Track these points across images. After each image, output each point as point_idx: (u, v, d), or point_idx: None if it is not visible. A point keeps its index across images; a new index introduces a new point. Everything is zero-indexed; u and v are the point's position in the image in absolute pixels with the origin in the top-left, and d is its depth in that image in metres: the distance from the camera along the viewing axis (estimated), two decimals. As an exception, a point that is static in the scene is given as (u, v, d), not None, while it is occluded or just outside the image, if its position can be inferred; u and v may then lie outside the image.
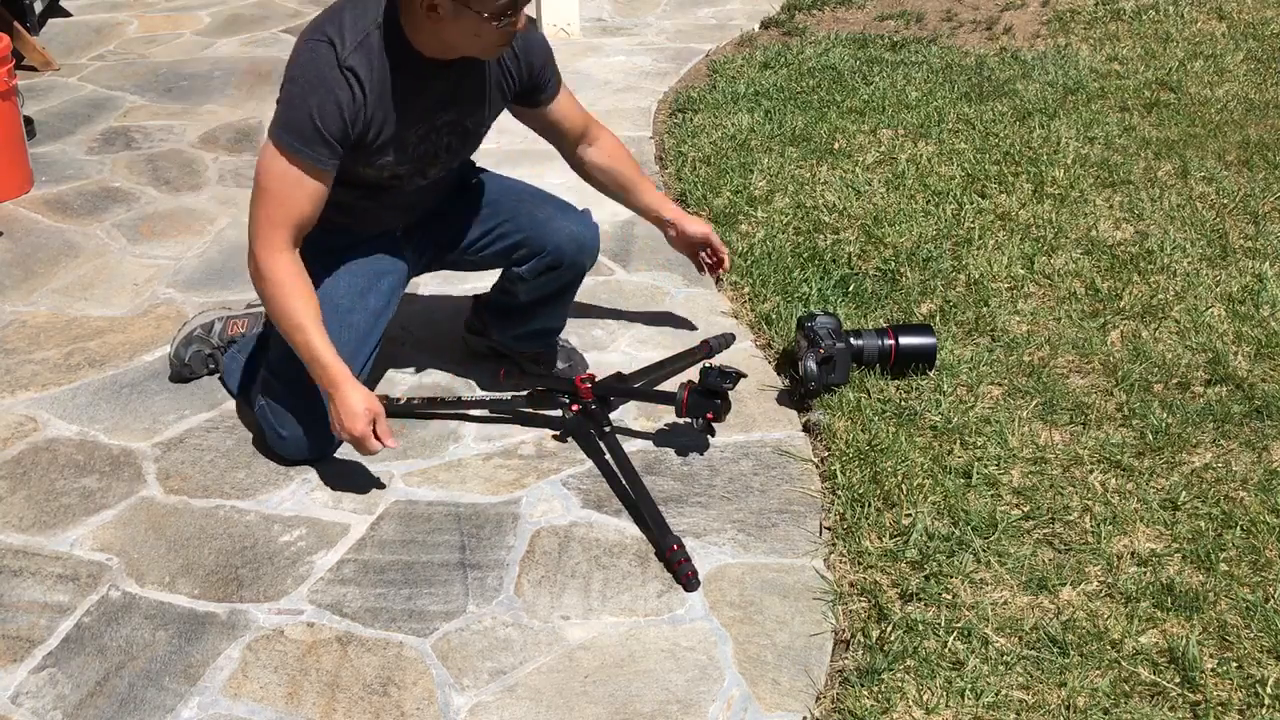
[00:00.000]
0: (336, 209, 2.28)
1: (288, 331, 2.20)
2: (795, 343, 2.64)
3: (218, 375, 2.69)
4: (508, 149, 3.67)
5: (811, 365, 2.50)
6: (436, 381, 2.73)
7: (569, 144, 2.60)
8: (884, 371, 2.61)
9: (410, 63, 2.19)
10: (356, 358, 2.35)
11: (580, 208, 2.57)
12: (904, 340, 2.61)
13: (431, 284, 3.12)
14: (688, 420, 2.39)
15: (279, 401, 2.37)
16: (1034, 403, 2.55)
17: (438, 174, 2.40)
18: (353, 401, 2.18)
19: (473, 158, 2.55)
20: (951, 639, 1.94)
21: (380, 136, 2.22)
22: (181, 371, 2.67)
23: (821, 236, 3.29)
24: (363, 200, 2.35)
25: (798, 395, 2.61)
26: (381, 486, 2.37)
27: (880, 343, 2.61)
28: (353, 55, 2.14)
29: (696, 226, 2.73)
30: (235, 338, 2.68)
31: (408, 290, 3.10)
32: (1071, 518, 2.22)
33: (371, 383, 2.69)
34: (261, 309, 2.72)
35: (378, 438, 2.20)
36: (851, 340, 2.58)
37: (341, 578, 2.13)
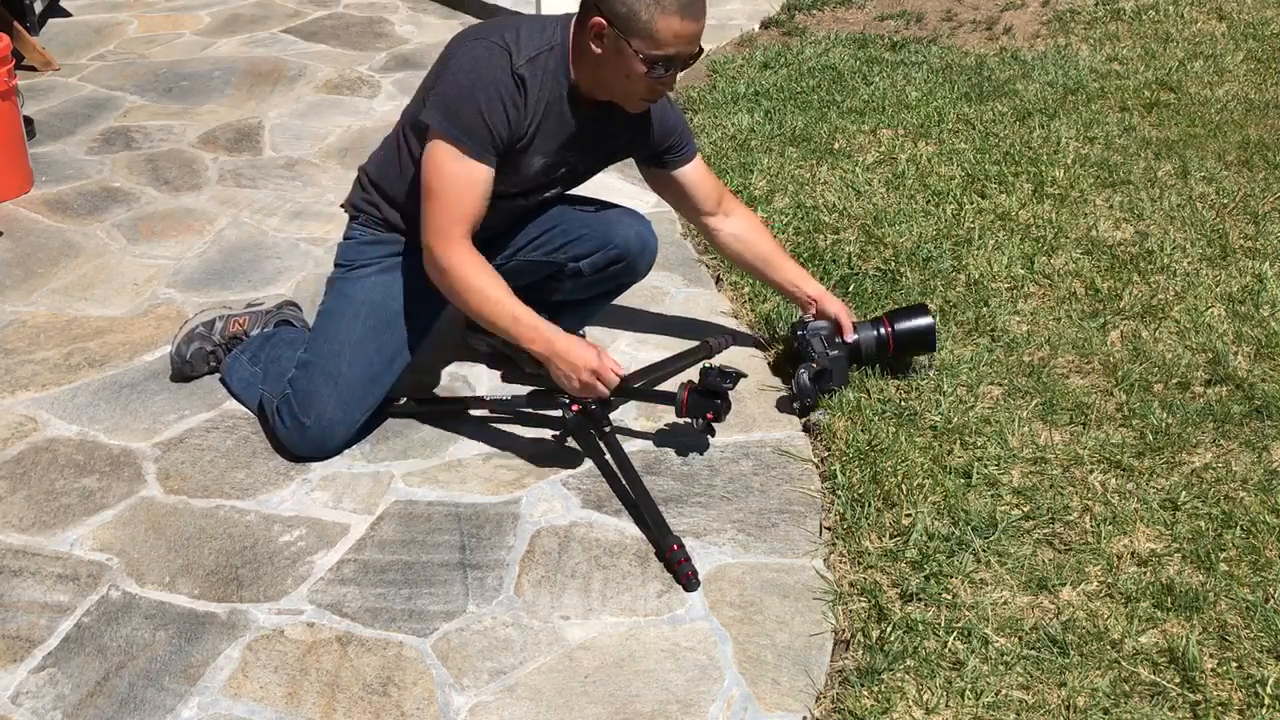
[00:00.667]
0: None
1: (485, 310, 2.23)
2: (792, 343, 2.63)
3: (218, 374, 2.69)
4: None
5: (805, 380, 2.47)
6: (436, 381, 2.73)
7: (700, 214, 2.60)
8: (888, 360, 2.59)
9: (569, 92, 2.25)
10: (380, 382, 2.42)
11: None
12: (899, 325, 2.56)
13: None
14: (688, 420, 2.39)
15: (311, 389, 2.37)
16: (1034, 403, 2.55)
17: (533, 203, 2.42)
18: (579, 347, 2.21)
19: None
20: (951, 639, 1.94)
21: (517, 153, 2.26)
22: (183, 369, 2.67)
23: (821, 236, 3.29)
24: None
25: (797, 407, 2.58)
26: (381, 487, 2.37)
27: (876, 333, 2.56)
28: (525, 66, 2.19)
29: (835, 306, 2.59)
30: (237, 335, 2.68)
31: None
32: (1071, 518, 2.22)
33: (371, 383, 2.69)
34: (263, 307, 2.74)
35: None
36: (846, 339, 2.56)
37: (341, 578, 2.13)
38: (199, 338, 2.67)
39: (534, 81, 2.20)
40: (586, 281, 2.59)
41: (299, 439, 2.39)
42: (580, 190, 2.59)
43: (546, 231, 2.55)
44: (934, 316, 2.59)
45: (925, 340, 2.57)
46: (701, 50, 2.19)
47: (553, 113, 2.26)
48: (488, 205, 2.25)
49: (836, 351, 2.52)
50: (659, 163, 2.51)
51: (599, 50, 2.15)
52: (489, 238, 2.47)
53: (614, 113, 2.31)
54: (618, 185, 3.69)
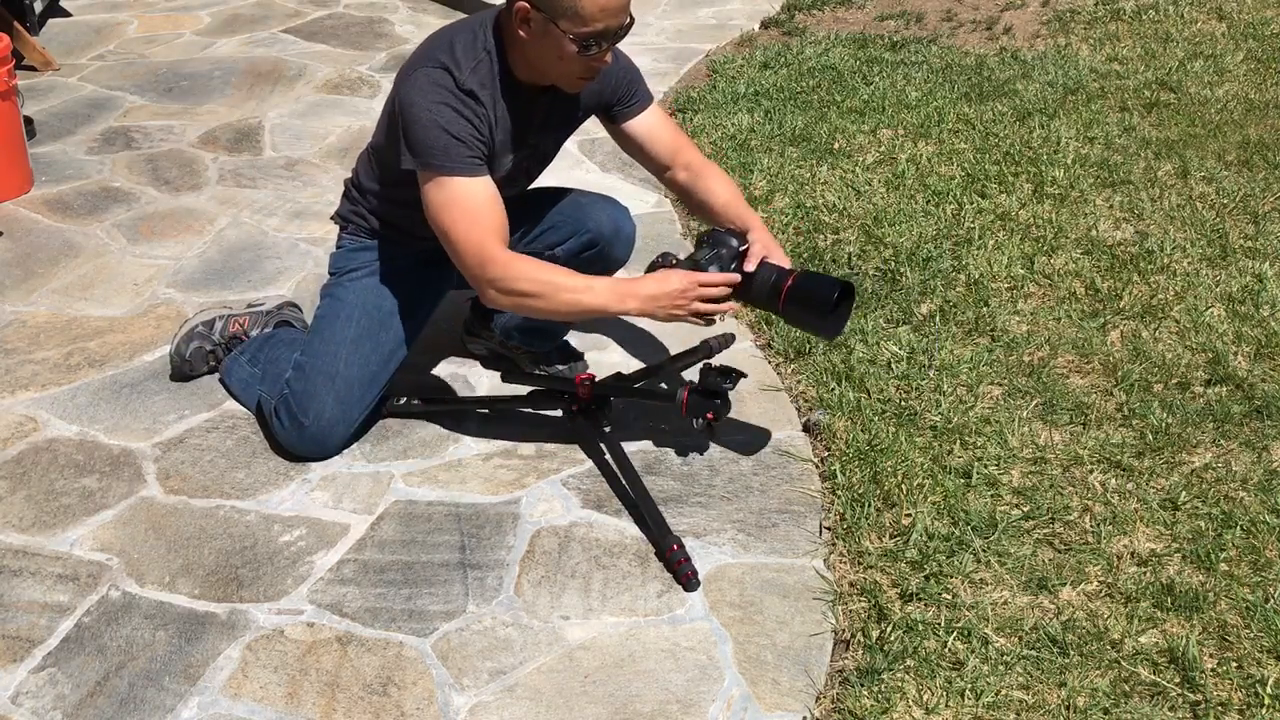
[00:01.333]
0: (409, 215, 2.33)
1: (561, 303, 2.17)
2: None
3: (217, 375, 2.69)
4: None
5: (658, 263, 2.24)
6: (436, 381, 2.73)
7: (659, 169, 2.51)
8: (776, 312, 2.24)
9: (513, 89, 2.23)
10: (377, 380, 2.43)
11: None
12: (801, 281, 2.19)
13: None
14: (688, 420, 2.39)
15: (309, 390, 2.37)
16: (1034, 403, 2.55)
17: (509, 194, 2.42)
18: (663, 281, 2.15)
19: None
20: (951, 639, 1.94)
21: (490, 159, 2.25)
22: (182, 368, 2.67)
23: (821, 236, 3.29)
24: None
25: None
26: (382, 487, 2.37)
27: (773, 276, 2.21)
28: (470, 78, 2.17)
29: (768, 244, 2.32)
30: (237, 335, 2.68)
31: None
32: (1071, 518, 2.22)
33: (371, 383, 2.69)
34: (263, 307, 2.74)
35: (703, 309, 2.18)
36: (745, 267, 2.23)
37: (341, 578, 2.13)
38: (199, 337, 2.67)
39: (483, 91, 2.19)
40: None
41: (298, 439, 2.40)
42: (581, 188, 2.58)
43: (523, 223, 2.54)
44: (843, 296, 2.18)
45: (820, 307, 2.17)
46: (631, 20, 2.15)
47: (507, 112, 2.25)
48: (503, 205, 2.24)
49: (716, 266, 2.21)
50: (609, 116, 2.46)
51: (526, 35, 2.13)
52: None
53: (559, 89, 2.29)
54: (619, 185, 3.69)
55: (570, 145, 3.93)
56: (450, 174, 2.16)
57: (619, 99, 2.42)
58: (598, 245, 2.52)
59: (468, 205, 2.17)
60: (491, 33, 2.22)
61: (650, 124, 2.45)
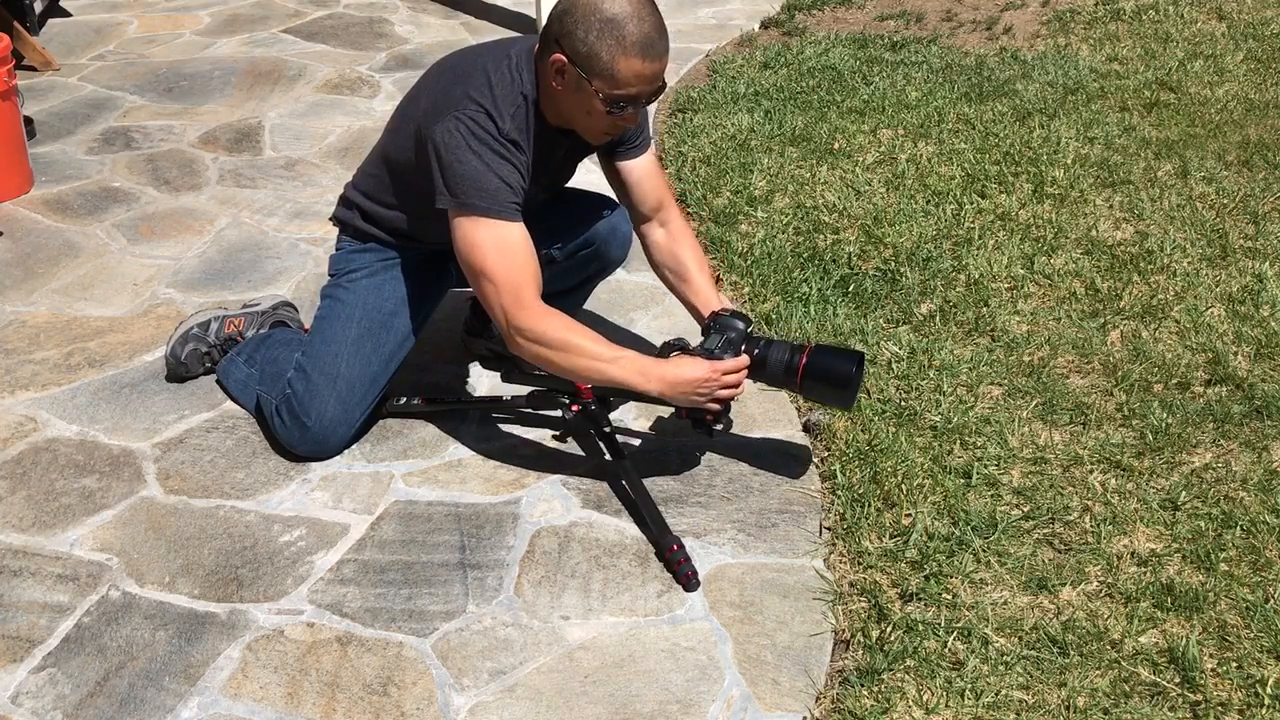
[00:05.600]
0: (418, 227, 2.36)
1: (591, 373, 2.16)
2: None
3: (214, 375, 2.69)
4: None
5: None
6: (436, 381, 2.73)
7: (637, 216, 2.50)
8: (794, 389, 2.27)
9: (542, 133, 2.23)
10: (378, 381, 2.43)
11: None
12: (816, 358, 2.23)
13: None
14: (688, 420, 2.38)
15: (311, 390, 2.37)
16: (1034, 403, 2.55)
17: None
18: (687, 368, 2.15)
19: None
20: (951, 639, 1.94)
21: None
22: (178, 370, 2.67)
23: (821, 236, 3.29)
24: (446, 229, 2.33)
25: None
26: (382, 487, 2.37)
27: (788, 357, 2.24)
28: (511, 127, 2.16)
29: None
30: (232, 336, 2.68)
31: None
32: (1071, 518, 2.22)
33: (371, 383, 2.69)
34: (259, 308, 2.74)
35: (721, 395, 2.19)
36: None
37: (341, 578, 2.13)
38: (194, 339, 2.67)
39: (523, 137, 2.18)
40: (561, 268, 2.56)
41: (300, 439, 2.40)
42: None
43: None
44: (858, 371, 2.22)
45: (839, 380, 2.21)
46: (665, 85, 2.16)
47: (541, 153, 2.26)
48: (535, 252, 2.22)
49: (730, 352, 2.22)
50: (609, 152, 2.46)
51: (559, 86, 2.13)
52: None
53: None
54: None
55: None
56: (494, 216, 2.14)
57: (628, 137, 2.43)
58: (594, 244, 2.52)
59: (506, 248, 2.15)
60: (530, 75, 2.19)
61: (645, 170, 2.45)
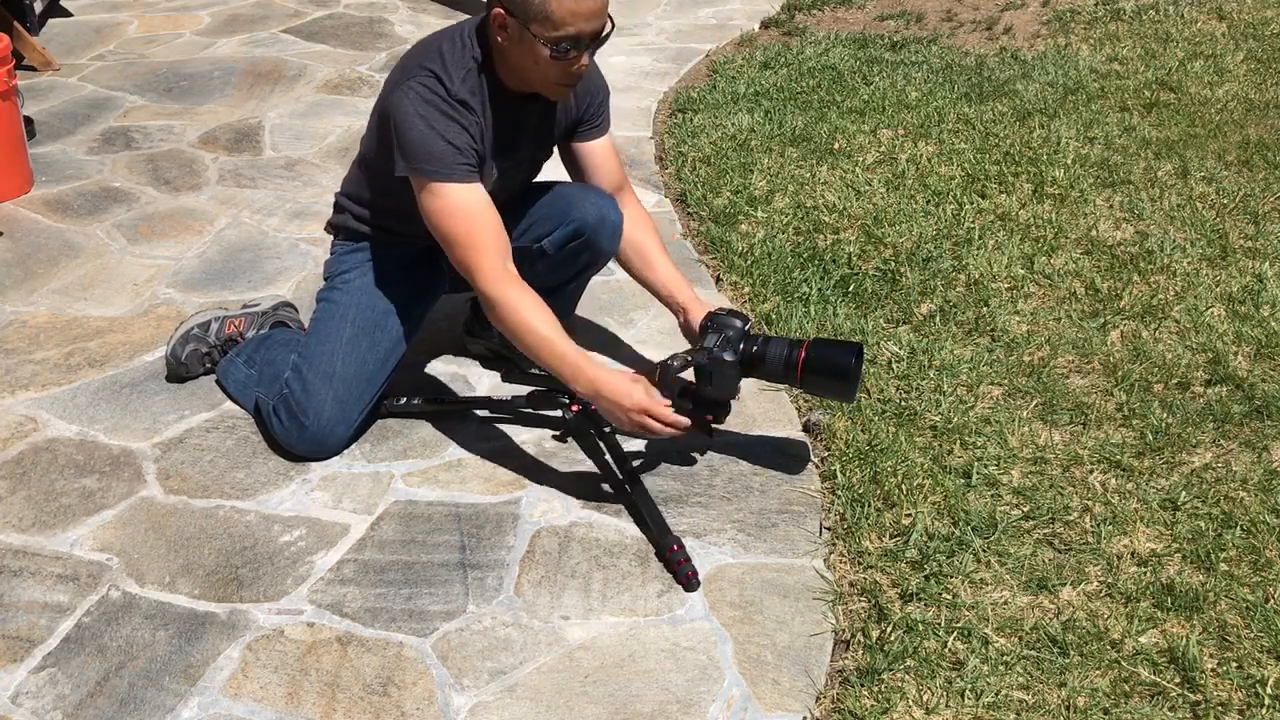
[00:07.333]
0: (400, 218, 2.36)
1: (533, 348, 2.18)
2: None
3: (214, 376, 2.69)
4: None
5: (672, 366, 2.22)
6: (436, 381, 2.73)
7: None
8: (794, 384, 2.27)
9: (501, 98, 2.26)
10: (375, 380, 2.43)
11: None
12: (814, 351, 2.23)
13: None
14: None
15: (308, 390, 2.38)
16: (1034, 403, 2.55)
17: (500, 202, 2.42)
18: (624, 386, 2.14)
19: None
20: (951, 639, 1.94)
21: (480, 164, 2.26)
22: (178, 370, 2.67)
23: (821, 236, 3.29)
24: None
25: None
26: (382, 487, 2.37)
27: (787, 352, 2.24)
28: (460, 88, 2.20)
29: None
30: (233, 337, 2.68)
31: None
32: (1071, 518, 2.22)
33: (371, 383, 2.69)
34: (259, 308, 2.74)
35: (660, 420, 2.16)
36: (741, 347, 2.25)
37: (341, 578, 2.13)
38: (194, 339, 2.67)
39: (474, 99, 2.21)
40: (553, 261, 2.55)
41: (298, 438, 2.40)
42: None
43: (512, 219, 2.53)
44: (857, 362, 2.21)
45: (839, 373, 2.21)
46: (611, 25, 2.16)
47: (497, 119, 2.27)
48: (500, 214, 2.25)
49: (730, 356, 2.21)
50: (570, 132, 2.47)
51: (504, 41, 2.16)
52: None
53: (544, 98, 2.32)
54: (618, 185, 3.69)
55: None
56: (445, 180, 2.18)
57: (589, 116, 2.45)
58: (584, 235, 2.50)
59: (461, 211, 2.19)
60: (476, 41, 2.24)
61: (606, 151, 2.51)
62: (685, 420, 2.16)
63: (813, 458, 2.44)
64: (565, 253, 2.52)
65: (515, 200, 2.54)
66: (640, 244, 2.51)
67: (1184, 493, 2.26)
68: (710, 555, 2.17)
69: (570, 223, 2.49)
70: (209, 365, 2.70)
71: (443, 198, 2.19)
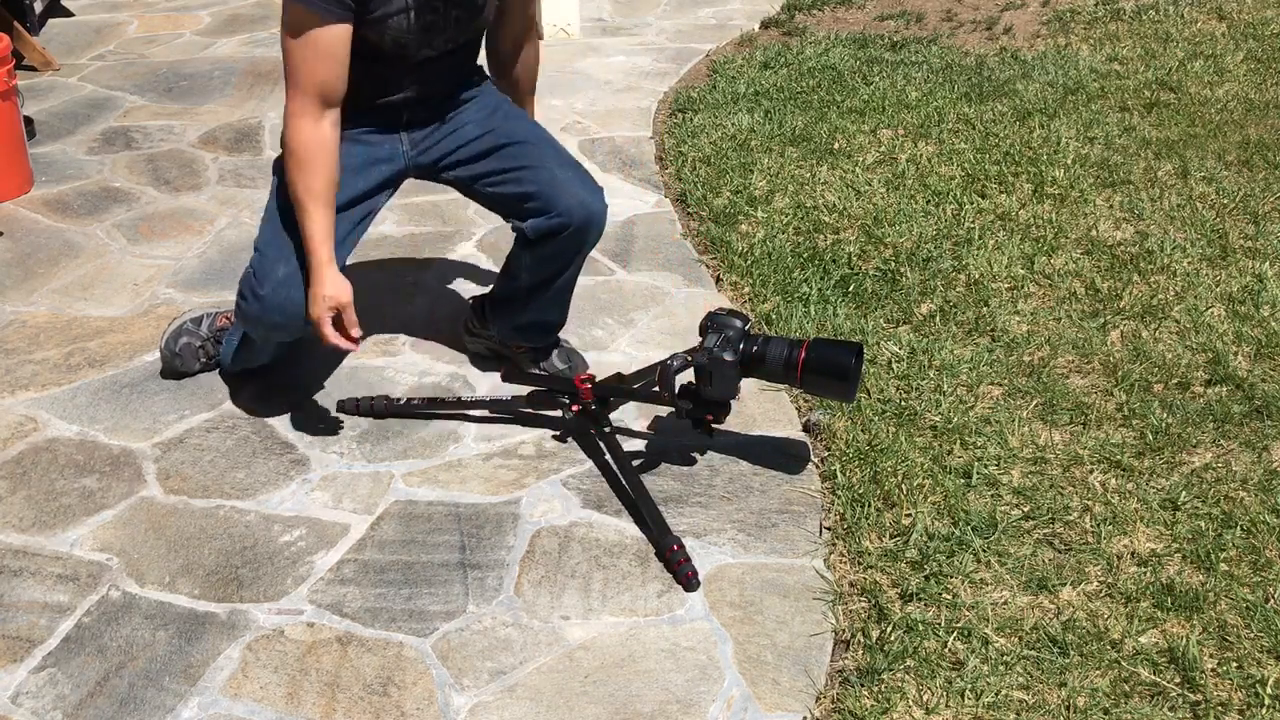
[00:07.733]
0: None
1: (294, 203, 2.25)
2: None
3: (215, 370, 2.69)
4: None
5: (671, 367, 2.24)
6: (436, 381, 2.73)
7: (504, 34, 2.55)
8: (794, 383, 2.28)
9: None
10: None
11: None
12: (814, 352, 2.23)
13: (431, 284, 3.12)
14: (688, 420, 2.39)
15: (263, 261, 2.34)
16: (1034, 403, 2.55)
17: (444, 46, 2.37)
18: (320, 285, 2.24)
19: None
20: (951, 639, 1.94)
21: (373, 6, 2.22)
22: (173, 363, 2.67)
23: (821, 236, 3.29)
24: (370, 65, 2.32)
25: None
26: (382, 487, 2.37)
27: (788, 352, 2.24)
28: None
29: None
30: (224, 328, 2.68)
31: (405, 290, 3.11)
32: (1071, 518, 2.22)
33: (372, 384, 2.69)
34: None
35: (341, 332, 2.26)
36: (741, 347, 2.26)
37: (341, 578, 2.13)
38: (187, 333, 2.67)
39: None
40: (539, 255, 2.51)
41: (259, 310, 2.33)
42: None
43: (508, 171, 2.49)
44: (857, 362, 2.21)
45: (839, 373, 2.21)
46: None
47: None
48: (347, 69, 2.23)
49: (730, 356, 2.20)
50: None
51: None
52: (434, 113, 2.48)
53: None
54: (619, 185, 3.70)
55: (571, 144, 3.93)
56: (308, 11, 2.15)
57: None
58: (567, 229, 2.46)
59: (309, 50, 2.18)
60: None
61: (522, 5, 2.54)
62: (345, 342, 2.27)
63: (813, 458, 2.44)
64: (548, 244, 2.47)
65: (521, 153, 2.49)
66: (518, 80, 2.63)
67: (1184, 493, 2.26)
68: (710, 555, 2.18)
69: (556, 215, 2.44)
70: (204, 360, 2.69)
71: (295, 24, 2.17)
